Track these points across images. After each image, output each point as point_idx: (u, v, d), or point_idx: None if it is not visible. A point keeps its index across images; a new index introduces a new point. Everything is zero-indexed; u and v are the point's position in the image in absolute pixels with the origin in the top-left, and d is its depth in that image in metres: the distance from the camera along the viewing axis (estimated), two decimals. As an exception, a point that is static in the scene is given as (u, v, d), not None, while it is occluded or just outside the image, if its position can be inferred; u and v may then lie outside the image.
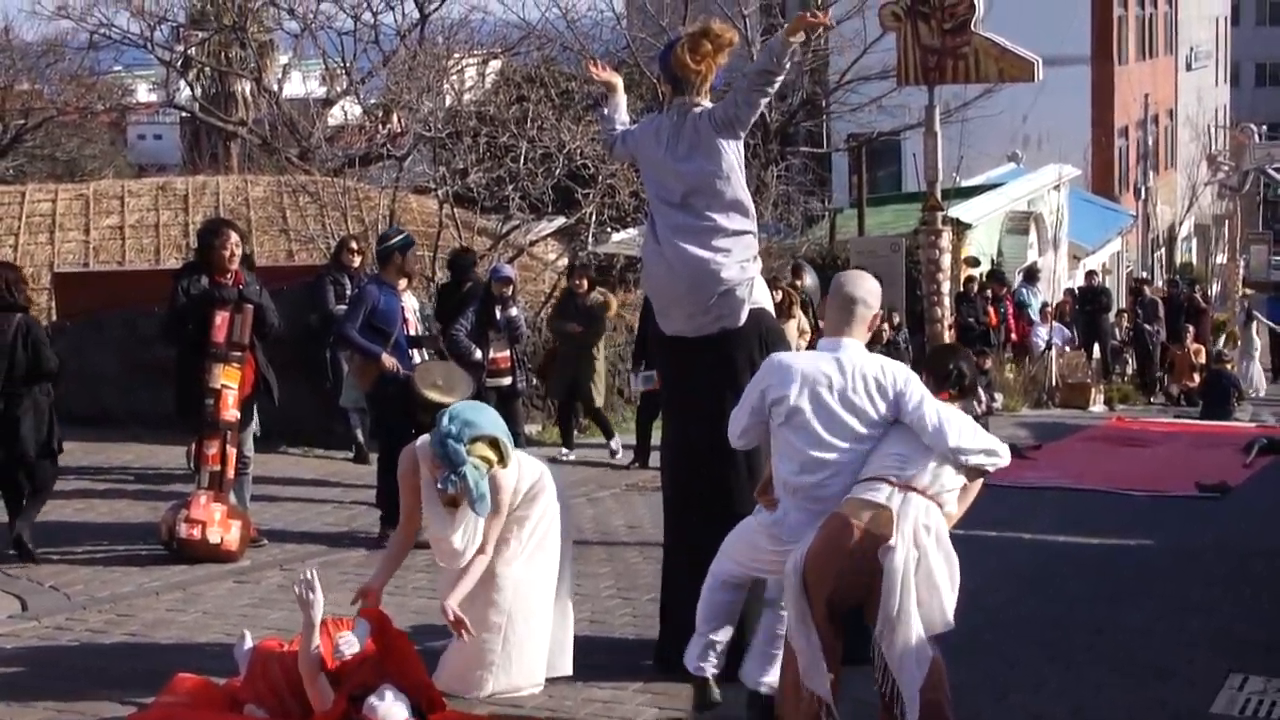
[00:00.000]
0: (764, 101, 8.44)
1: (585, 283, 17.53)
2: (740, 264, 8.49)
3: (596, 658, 8.83)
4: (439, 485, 7.91)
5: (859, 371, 7.12)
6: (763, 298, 8.79)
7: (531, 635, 8.37)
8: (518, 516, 8.34)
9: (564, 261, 24.55)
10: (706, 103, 8.51)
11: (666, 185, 8.58)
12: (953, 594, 6.88)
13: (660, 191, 8.65)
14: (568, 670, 8.56)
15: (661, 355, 9.34)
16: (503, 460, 8.05)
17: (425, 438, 8.20)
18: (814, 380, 7.12)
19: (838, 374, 7.12)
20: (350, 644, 7.50)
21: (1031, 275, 32.34)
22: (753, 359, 8.53)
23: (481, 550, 8.12)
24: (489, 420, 8.16)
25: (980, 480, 7.14)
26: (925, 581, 6.80)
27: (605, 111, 9.03)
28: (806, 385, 7.11)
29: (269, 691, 7.42)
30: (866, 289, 7.35)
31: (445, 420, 7.95)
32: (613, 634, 9.53)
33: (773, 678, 7.59)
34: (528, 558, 8.35)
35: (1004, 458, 7.07)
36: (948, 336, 23.70)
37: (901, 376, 7.12)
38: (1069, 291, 33.89)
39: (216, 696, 7.73)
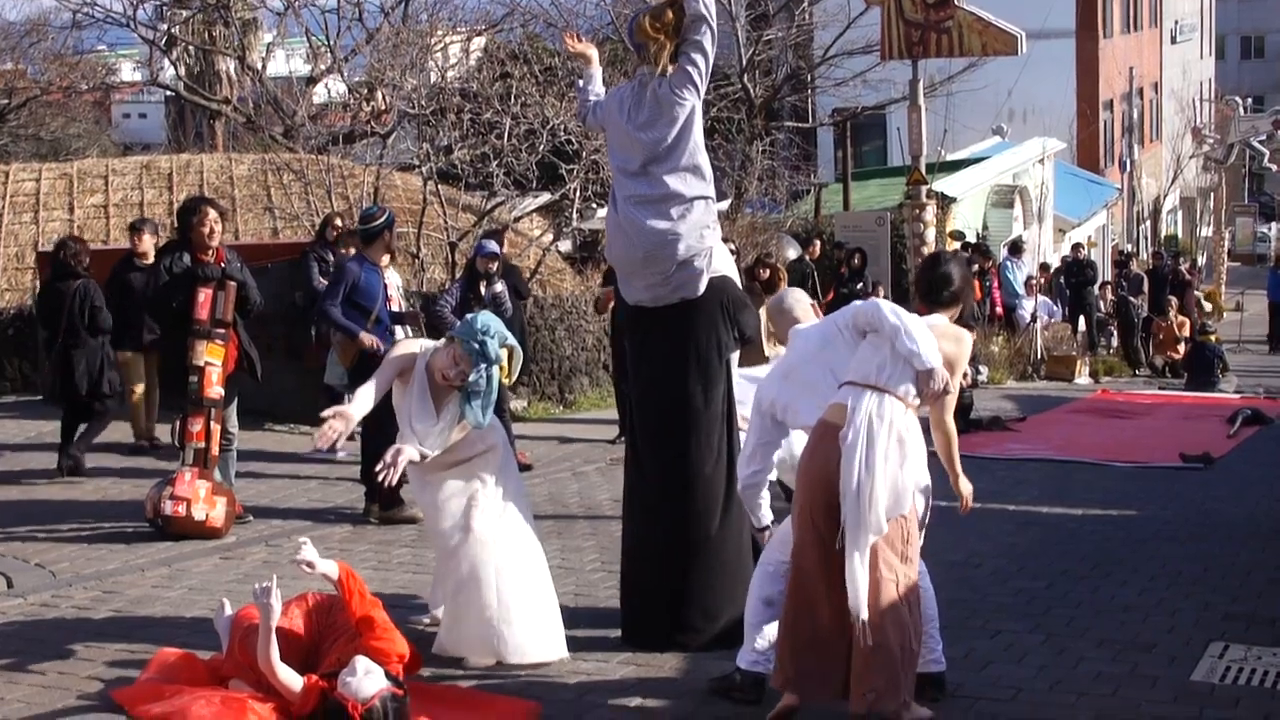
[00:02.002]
0: (710, 43, 8.42)
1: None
2: (700, 231, 8.49)
3: (581, 630, 8.86)
4: (472, 378, 8.16)
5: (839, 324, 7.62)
6: (725, 265, 8.81)
7: (527, 593, 8.41)
8: (480, 475, 8.45)
9: (549, 238, 24.56)
10: (670, 71, 8.50)
11: (626, 154, 8.60)
12: (905, 485, 7.09)
13: (620, 160, 8.69)
14: (563, 653, 8.55)
15: (625, 324, 9.38)
16: (509, 374, 8.43)
17: (429, 344, 8.51)
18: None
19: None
20: (309, 549, 7.54)
21: (1016, 249, 32.38)
22: (715, 328, 8.57)
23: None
24: (506, 332, 8.46)
25: (948, 402, 7.31)
26: (873, 467, 6.99)
27: (581, 83, 9.06)
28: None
29: (249, 665, 7.42)
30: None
31: (478, 321, 8.27)
32: (598, 606, 9.56)
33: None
34: (501, 515, 8.43)
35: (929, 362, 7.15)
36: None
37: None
38: (1043, 267, 33.90)
39: (201, 670, 7.76)
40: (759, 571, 7.84)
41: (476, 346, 8.14)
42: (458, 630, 8.44)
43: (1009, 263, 31.34)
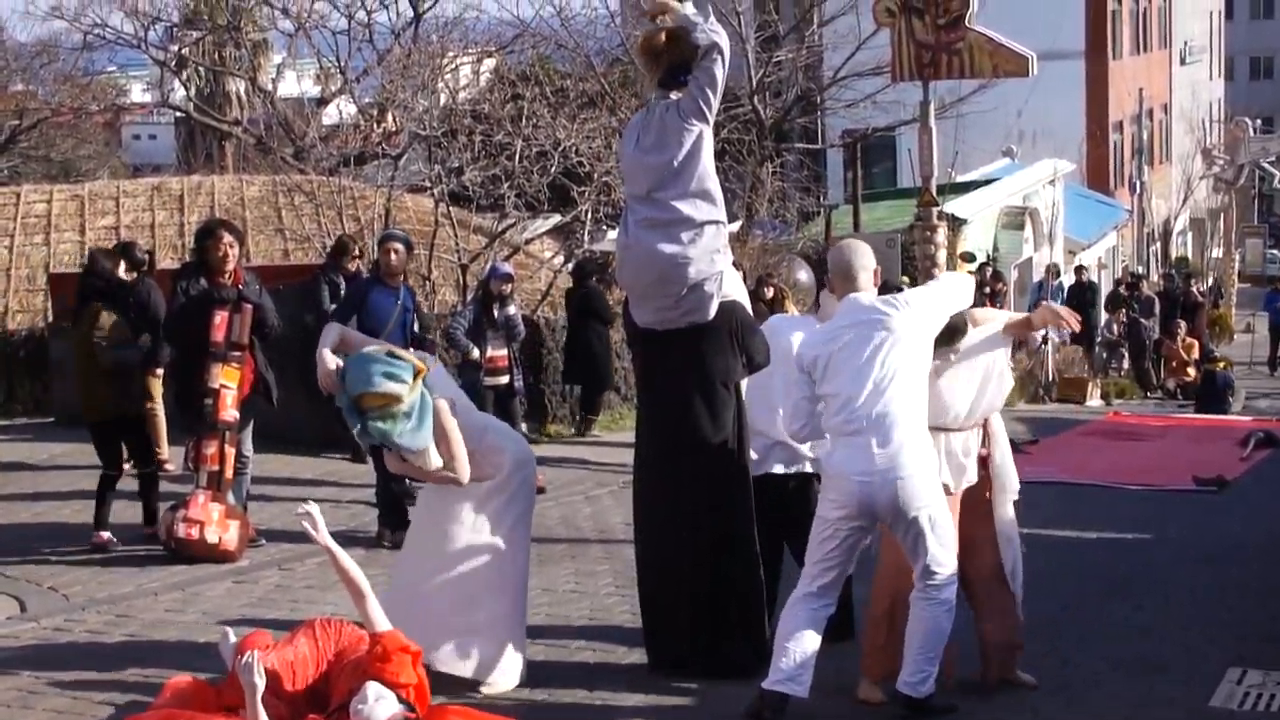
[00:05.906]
0: (721, 70, 8.38)
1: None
2: (710, 255, 8.47)
3: (597, 654, 8.84)
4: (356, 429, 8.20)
5: None
6: (735, 290, 8.80)
7: (512, 617, 8.41)
8: (478, 499, 8.41)
9: (560, 259, 24.57)
10: (675, 95, 8.49)
11: (636, 178, 8.62)
12: None
13: (631, 185, 8.72)
14: (515, 681, 8.47)
15: (634, 346, 9.38)
16: (408, 388, 8.09)
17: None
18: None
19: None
20: (314, 506, 7.57)
21: (1055, 273, 32.60)
22: (723, 353, 8.55)
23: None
24: (360, 373, 8.16)
25: None
26: None
27: None
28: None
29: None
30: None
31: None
32: (612, 630, 9.54)
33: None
34: (500, 538, 8.41)
35: None
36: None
37: None
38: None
39: (211, 698, 7.73)
40: (805, 605, 7.80)
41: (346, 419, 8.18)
42: (463, 649, 8.43)
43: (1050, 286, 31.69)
